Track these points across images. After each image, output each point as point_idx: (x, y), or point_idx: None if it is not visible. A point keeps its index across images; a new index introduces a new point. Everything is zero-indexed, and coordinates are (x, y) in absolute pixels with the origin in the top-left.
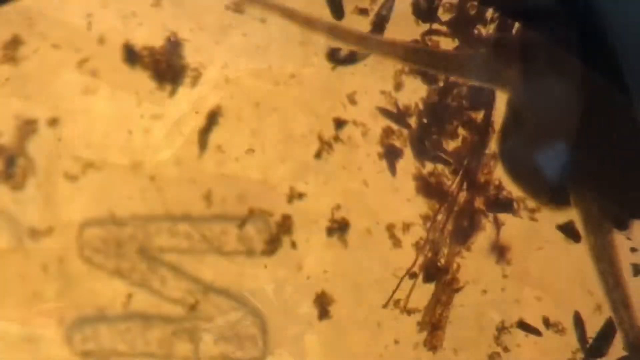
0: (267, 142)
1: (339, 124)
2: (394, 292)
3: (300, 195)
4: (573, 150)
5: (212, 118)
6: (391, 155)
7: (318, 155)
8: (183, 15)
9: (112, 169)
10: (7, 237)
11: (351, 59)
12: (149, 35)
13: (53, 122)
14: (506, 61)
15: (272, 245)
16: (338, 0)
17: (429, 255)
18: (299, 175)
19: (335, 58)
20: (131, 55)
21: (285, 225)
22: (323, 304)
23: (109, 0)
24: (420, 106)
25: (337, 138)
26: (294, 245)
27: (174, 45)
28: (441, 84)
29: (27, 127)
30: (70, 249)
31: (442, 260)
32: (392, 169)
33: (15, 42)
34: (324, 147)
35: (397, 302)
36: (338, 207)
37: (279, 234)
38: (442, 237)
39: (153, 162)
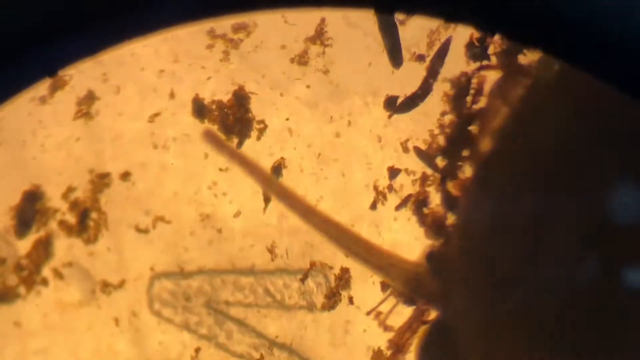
0: (326, 194)
1: (393, 172)
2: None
3: None
4: None
5: (277, 170)
6: (419, 204)
7: (373, 206)
8: (249, 69)
9: (181, 222)
10: (80, 290)
11: (407, 106)
12: (217, 89)
13: (125, 175)
14: None
15: (332, 299)
16: (398, 48)
17: None
18: (356, 226)
19: (392, 106)
20: (200, 109)
21: (344, 279)
22: None
23: (179, 55)
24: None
25: (390, 187)
26: (351, 300)
27: (240, 98)
28: None
29: (100, 181)
30: (141, 302)
31: None
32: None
33: (89, 98)
34: (379, 197)
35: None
36: None
37: (338, 288)
38: None
39: (220, 214)
